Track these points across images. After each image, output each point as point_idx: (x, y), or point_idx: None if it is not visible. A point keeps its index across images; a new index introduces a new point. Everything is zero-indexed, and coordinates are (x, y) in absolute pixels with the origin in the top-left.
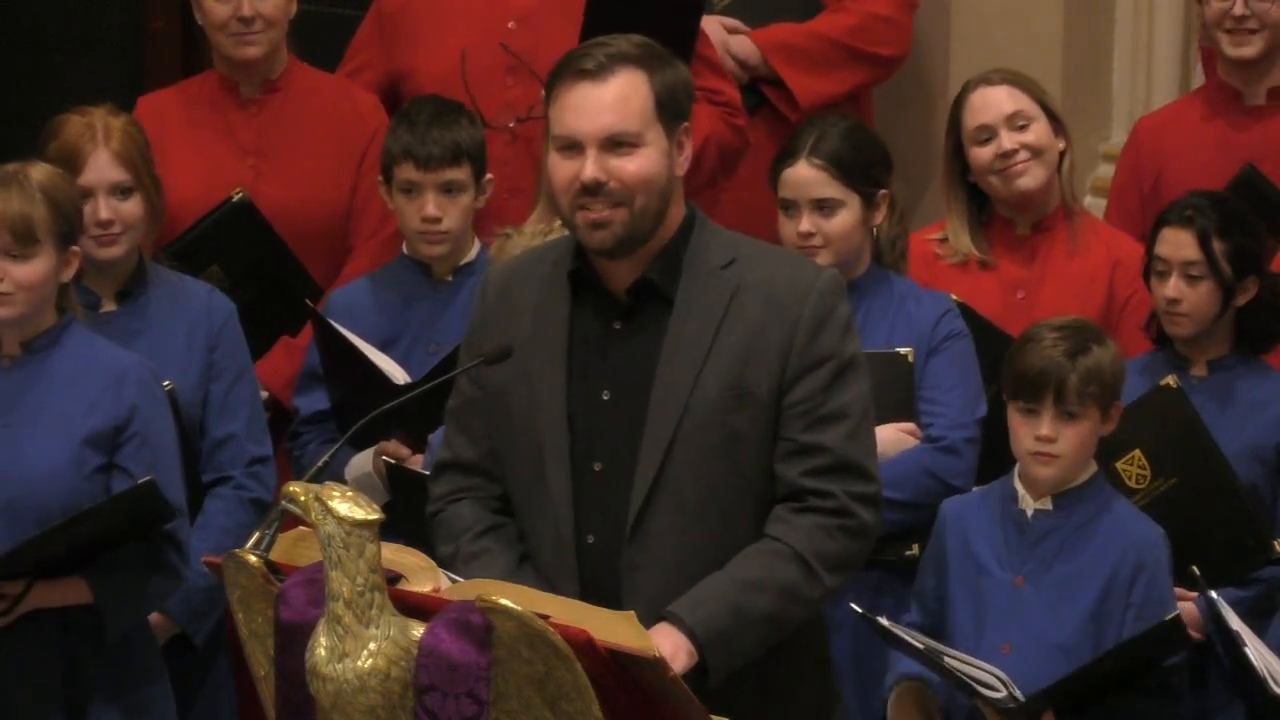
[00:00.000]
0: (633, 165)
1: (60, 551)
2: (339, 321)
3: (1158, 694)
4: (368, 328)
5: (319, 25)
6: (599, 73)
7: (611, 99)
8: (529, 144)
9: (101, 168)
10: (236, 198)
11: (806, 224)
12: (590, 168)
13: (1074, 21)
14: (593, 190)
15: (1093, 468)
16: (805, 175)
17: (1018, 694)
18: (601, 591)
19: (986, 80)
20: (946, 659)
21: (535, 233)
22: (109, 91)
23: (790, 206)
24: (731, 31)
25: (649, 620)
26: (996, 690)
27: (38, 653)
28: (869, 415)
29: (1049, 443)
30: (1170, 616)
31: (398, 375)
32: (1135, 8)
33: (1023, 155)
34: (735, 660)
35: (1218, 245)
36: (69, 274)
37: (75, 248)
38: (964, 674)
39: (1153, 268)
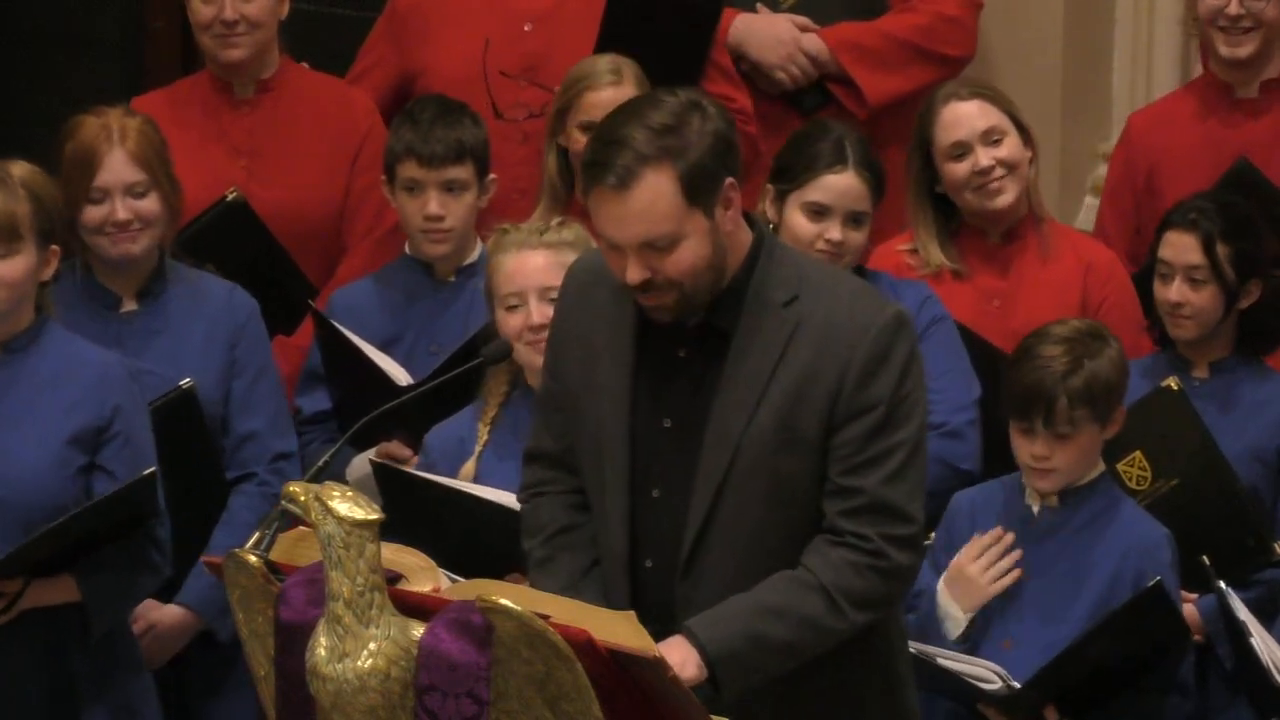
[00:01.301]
0: (674, 261)
1: (60, 549)
2: (341, 321)
3: (1169, 690)
4: (369, 327)
5: (319, 25)
6: (621, 184)
7: (637, 210)
8: (540, 145)
9: (117, 168)
10: (231, 197)
11: (839, 233)
12: (633, 272)
13: (1074, 21)
14: (643, 288)
15: (1100, 467)
16: (852, 185)
17: (1014, 684)
18: (659, 613)
19: (956, 95)
20: (939, 660)
21: (532, 229)
22: (109, 91)
23: (822, 212)
24: (800, 29)
25: None
26: (991, 683)
27: (23, 654)
28: (917, 452)
29: (1044, 460)
30: (1152, 583)
31: (400, 377)
32: (1135, 8)
33: (999, 172)
34: (748, 681)
35: (1221, 249)
36: (48, 273)
37: (55, 246)
38: (959, 672)
39: (1156, 270)
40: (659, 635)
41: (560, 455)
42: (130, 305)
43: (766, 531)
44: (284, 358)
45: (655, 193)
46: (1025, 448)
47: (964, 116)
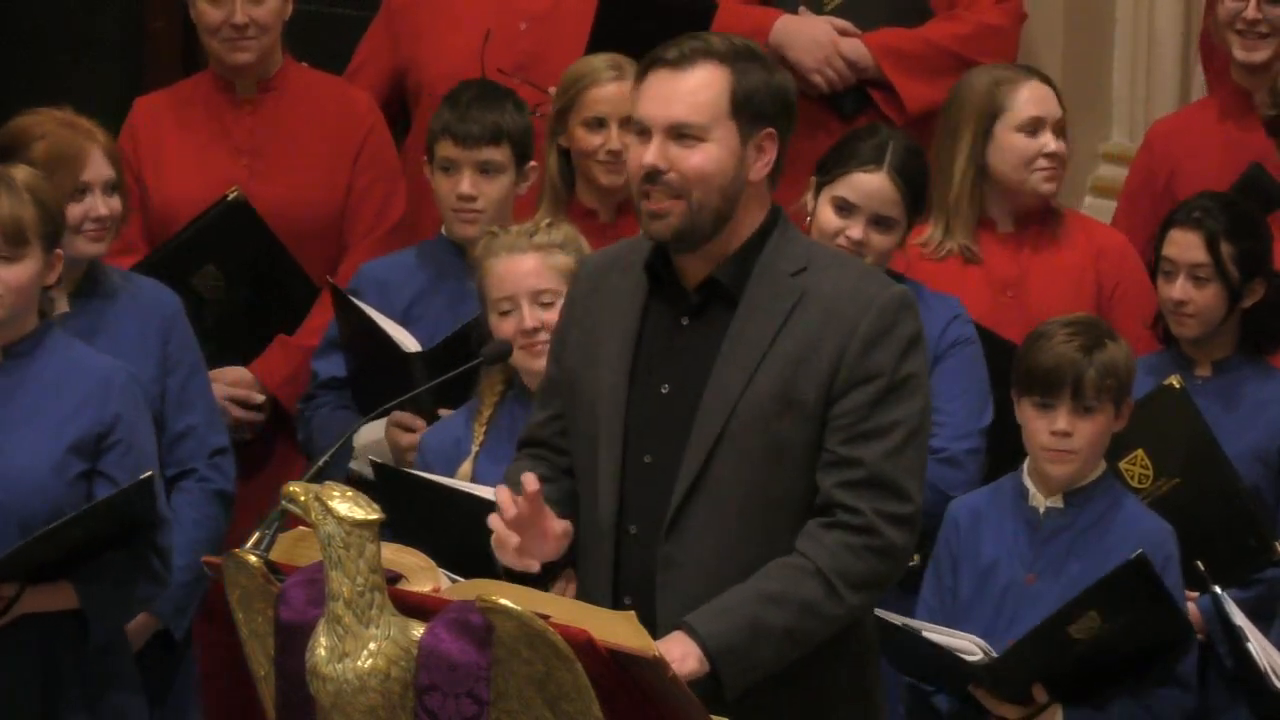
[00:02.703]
0: (694, 158)
1: (55, 555)
2: (368, 294)
3: (1166, 682)
4: (396, 302)
5: (319, 25)
6: (679, 62)
7: (684, 89)
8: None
9: (98, 164)
10: (231, 196)
11: (860, 232)
12: (651, 153)
13: (1074, 21)
14: (652, 177)
15: (1102, 465)
16: (881, 187)
17: (994, 654)
18: (638, 582)
19: (1034, 76)
20: (925, 633)
21: (521, 232)
22: (109, 91)
23: (848, 209)
24: (841, 33)
25: (679, 618)
26: (973, 654)
27: (16, 659)
28: (918, 435)
29: (1065, 438)
30: (1135, 555)
31: (408, 344)
32: (1135, 8)
33: (1057, 163)
34: (750, 673)
35: (1225, 248)
36: (53, 277)
37: (59, 250)
38: (944, 645)
39: (1160, 268)
40: (638, 600)
41: (550, 438)
42: (63, 306)
43: (755, 496)
44: (285, 357)
45: (706, 82)
46: (1044, 427)
47: (1047, 98)
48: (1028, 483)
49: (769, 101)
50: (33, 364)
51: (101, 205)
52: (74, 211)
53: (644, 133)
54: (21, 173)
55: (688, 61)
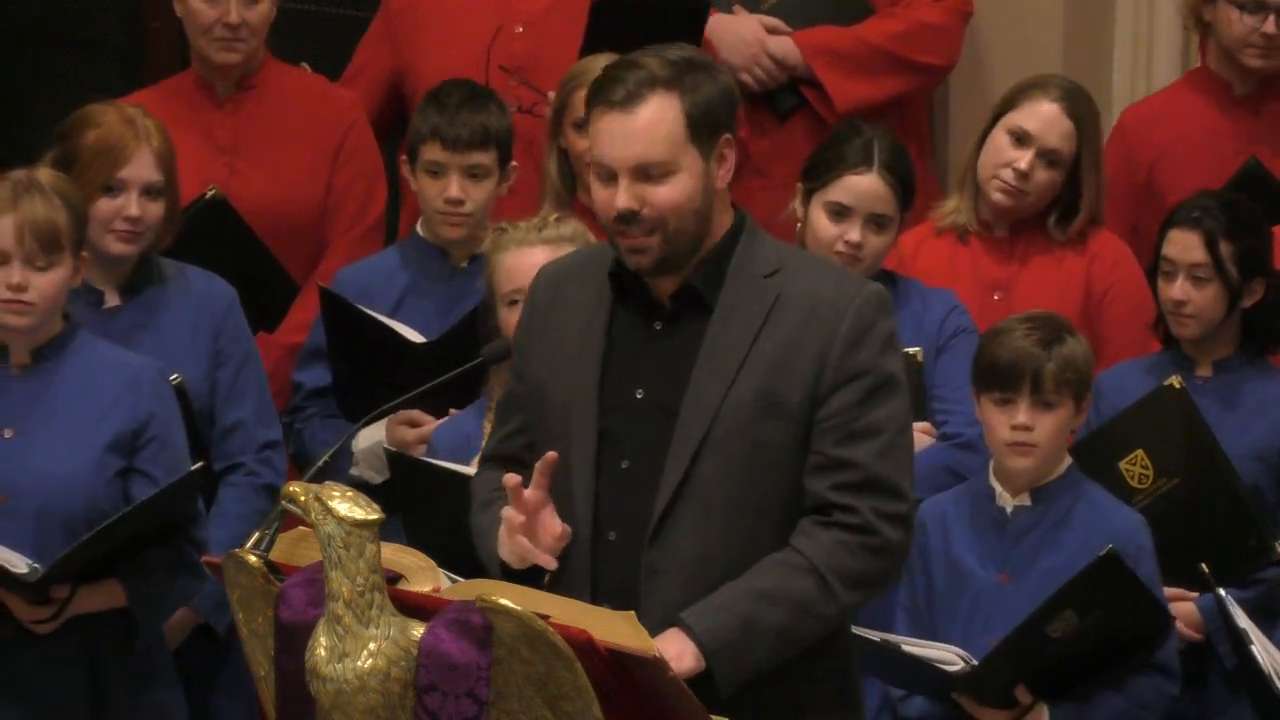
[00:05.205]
0: (664, 193)
1: (105, 554)
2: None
3: (1145, 670)
4: (380, 306)
5: (319, 25)
6: (627, 102)
7: (640, 128)
8: (529, 144)
9: (143, 165)
10: (210, 195)
11: (858, 234)
12: (622, 198)
13: (1074, 21)
14: (627, 219)
15: (1067, 460)
16: (874, 187)
17: (974, 662)
18: (621, 590)
19: (1064, 100)
20: (904, 647)
21: (530, 227)
22: (109, 91)
23: (843, 213)
24: (771, 31)
25: (664, 624)
26: (953, 664)
27: (63, 659)
28: (905, 433)
29: (1026, 431)
30: (1105, 550)
31: (415, 338)
32: (1135, 8)
33: (1028, 184)
34: (744, 670)
35: (1224, 248)
36: (78, 280)
37: (84, 253)
38: (923, 657)
39: (1159, 268)
40: (616, 607)
41: (516, 452)
42: (114, 300)
43: (738, 500)
44: (267, 355)
45: (659, 115)
46: (1004, 421)
47: (1049, 121)
48: (993, 483)
49: (721, 109)
50: (60, 366)
51: (134, 206)
52: (105, 207)
53: (609, 176)
54: (48, 176)
55: (635, 99)
